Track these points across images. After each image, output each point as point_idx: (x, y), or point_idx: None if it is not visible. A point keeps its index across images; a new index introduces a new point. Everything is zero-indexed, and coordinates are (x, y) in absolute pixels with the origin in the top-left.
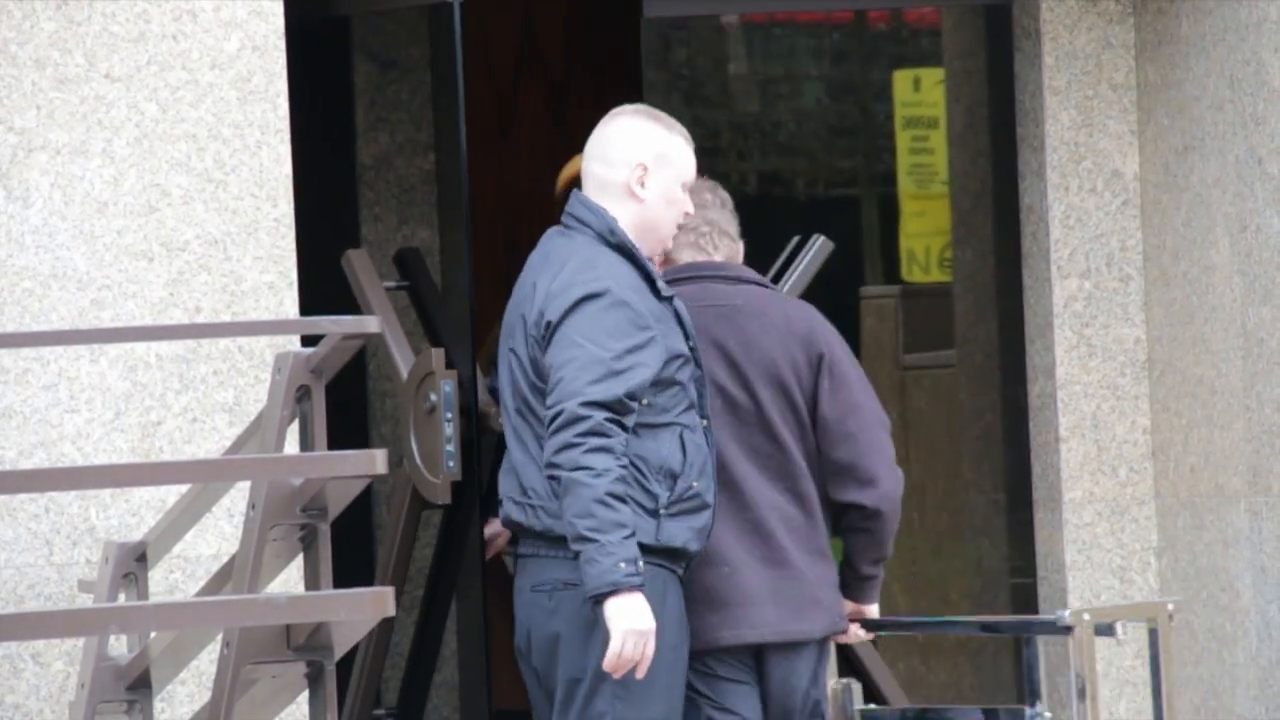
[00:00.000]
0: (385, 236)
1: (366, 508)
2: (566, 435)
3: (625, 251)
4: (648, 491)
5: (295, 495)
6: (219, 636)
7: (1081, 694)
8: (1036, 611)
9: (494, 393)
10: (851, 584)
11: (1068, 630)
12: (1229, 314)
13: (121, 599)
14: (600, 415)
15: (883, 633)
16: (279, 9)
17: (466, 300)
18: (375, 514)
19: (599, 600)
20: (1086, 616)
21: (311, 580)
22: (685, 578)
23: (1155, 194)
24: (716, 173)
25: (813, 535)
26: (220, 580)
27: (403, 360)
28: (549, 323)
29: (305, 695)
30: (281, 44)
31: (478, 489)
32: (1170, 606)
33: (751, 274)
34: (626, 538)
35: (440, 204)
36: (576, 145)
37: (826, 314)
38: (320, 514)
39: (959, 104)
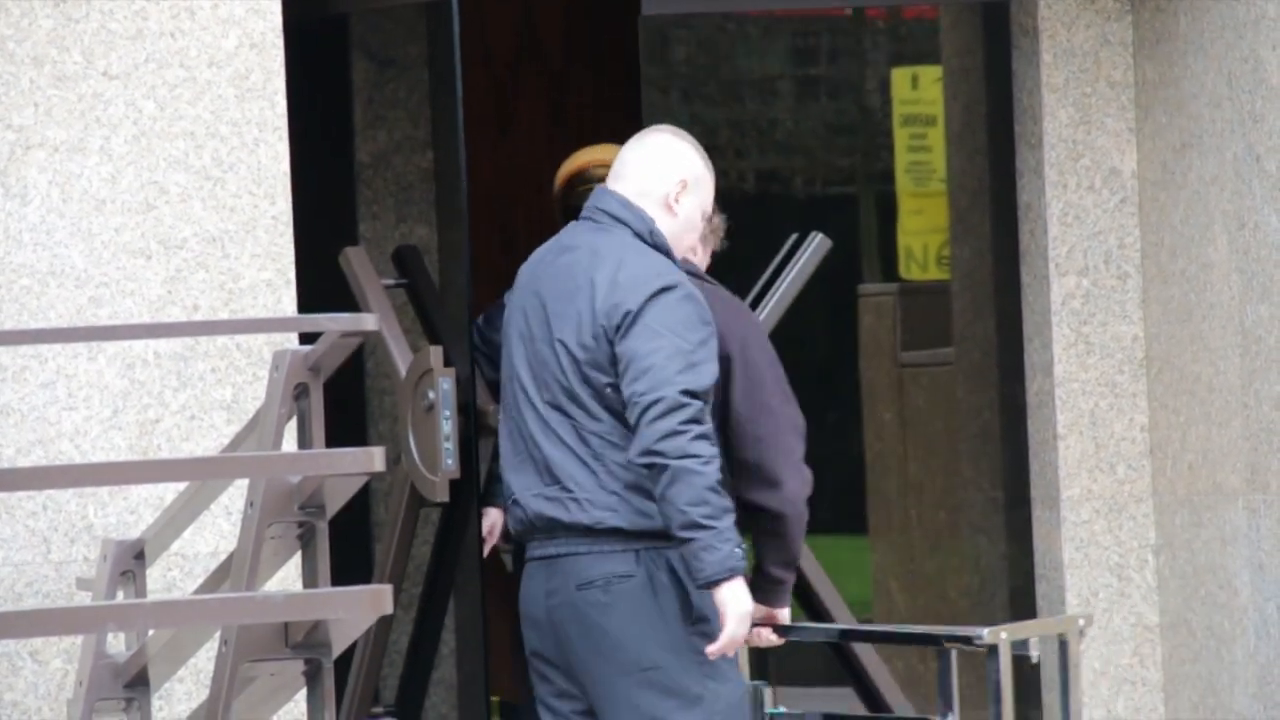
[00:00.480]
0: (383, 234)
1: (365, 505)
2: (669, 423)
3: (665, 253)
4: None
5: (293, 493)
6: (217, 634)
7: (999, 704)
8: (1035, 610)
9: (494, 387)
10: (762, 587)
11: (987, 648)
12: (1227, 311)
13: (119, 597)
14: (697, 404)
15: (792, 638)
16: (277, 7)
17: (465, 298)
18: (373, 512)
19: (713, 585)
20: (1004, 634)
21: (309, 578)
22: None
23: (1153, 191)
24: (716, 172)
25: None
26: (218, 578)
27: (401, 358)
28: (628, 311)
29: (303, 693)
30: (279, 41)
31: (476, 486)
32: (1081, 622)
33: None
34: (732, 524)
35: (438, 202)
36: (575, 142)
37: (825, 312)
38: (318, 512)
39: (957, 102)
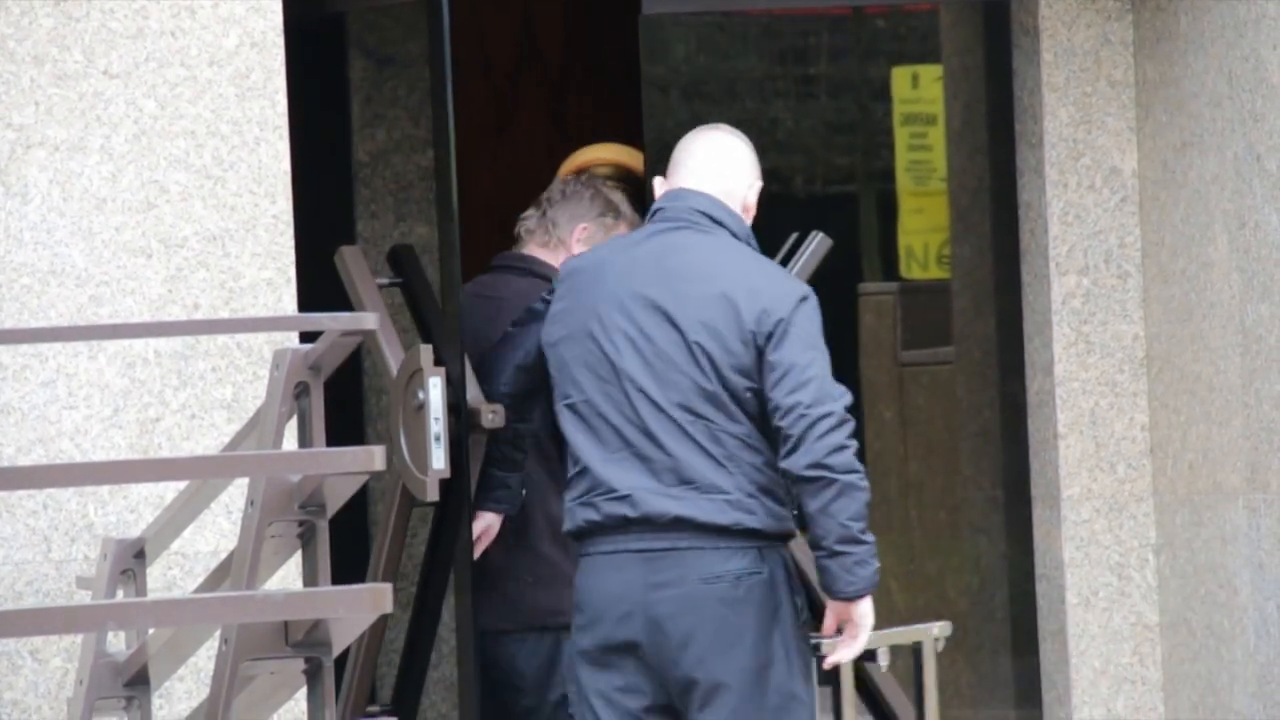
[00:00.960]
0: (382, 233)
1: (364, 504)
2: (838, 437)
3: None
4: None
5: (293, 492)
6: (217, 633)
7: (838, 714)
8: (1035, 610)
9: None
10: None
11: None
12: (1227, 311)
13: (120, 595)
14: (852, 420)
15: None
16: (277, 6)
17: (458, 298)
18: (373, 511)
19: (857, 598)
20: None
21: (310, 577)
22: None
23: (1154, 191)
24: None
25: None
26: (218, 577)
27: (393, 357)
28: (780, 319)
29: (304, 692)
30: (280, 40)
31: (467, 486)
32: (935, 630)
33: (533, 264)
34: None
35: (437, 200)
36: (574, 142)
37: (825, 310)
38: (318, 510)
39: (957, 101)
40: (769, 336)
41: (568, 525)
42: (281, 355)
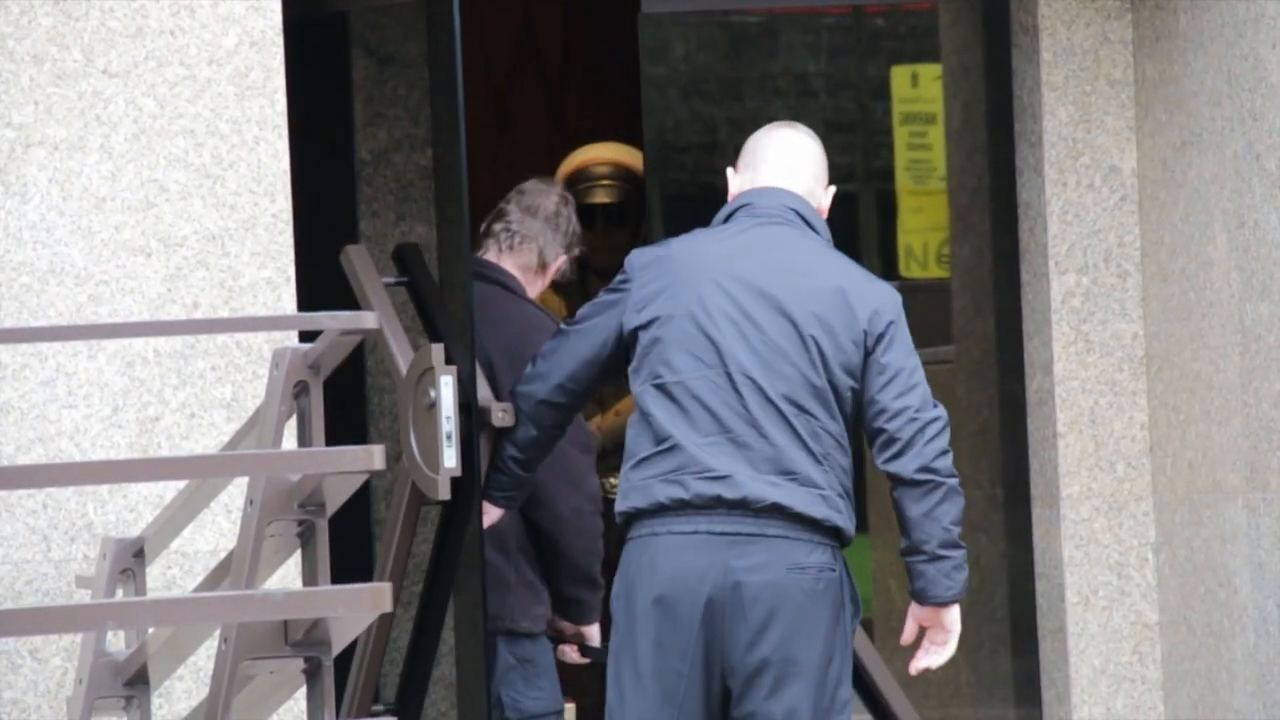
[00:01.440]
0: (383, 232)
1: (365, 503)
2: (943, 441)
3: None
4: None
5: (293, 491)
6: (217, 632)
7: None
8: (1035, 608)
9: (534, 360)
10: (558, 604)
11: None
12: (1227, 310)
13: (119, 595)
14: (949, 427)
15: (593, 658)
16: (277, 5)
17: (465, 296)
18: (373, 510)
19: (951, 603)
20: None
21: (309, 576)
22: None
23: (1153, 190)
24: (714, 169)
25: (523, 540)
26: (218, 576)
27: (401, 356)
28: (890, 321)
29: (303, 691)
30: (279, 39)
31: (477, 484)
32: None
33: (501, 274)
34: None
35: (438, 200)
36: (574, 141)
37: None
38: (318, 510)
39: (957, 100)
40: (880, 338)
41: (636, 502)
42: (281, 354)
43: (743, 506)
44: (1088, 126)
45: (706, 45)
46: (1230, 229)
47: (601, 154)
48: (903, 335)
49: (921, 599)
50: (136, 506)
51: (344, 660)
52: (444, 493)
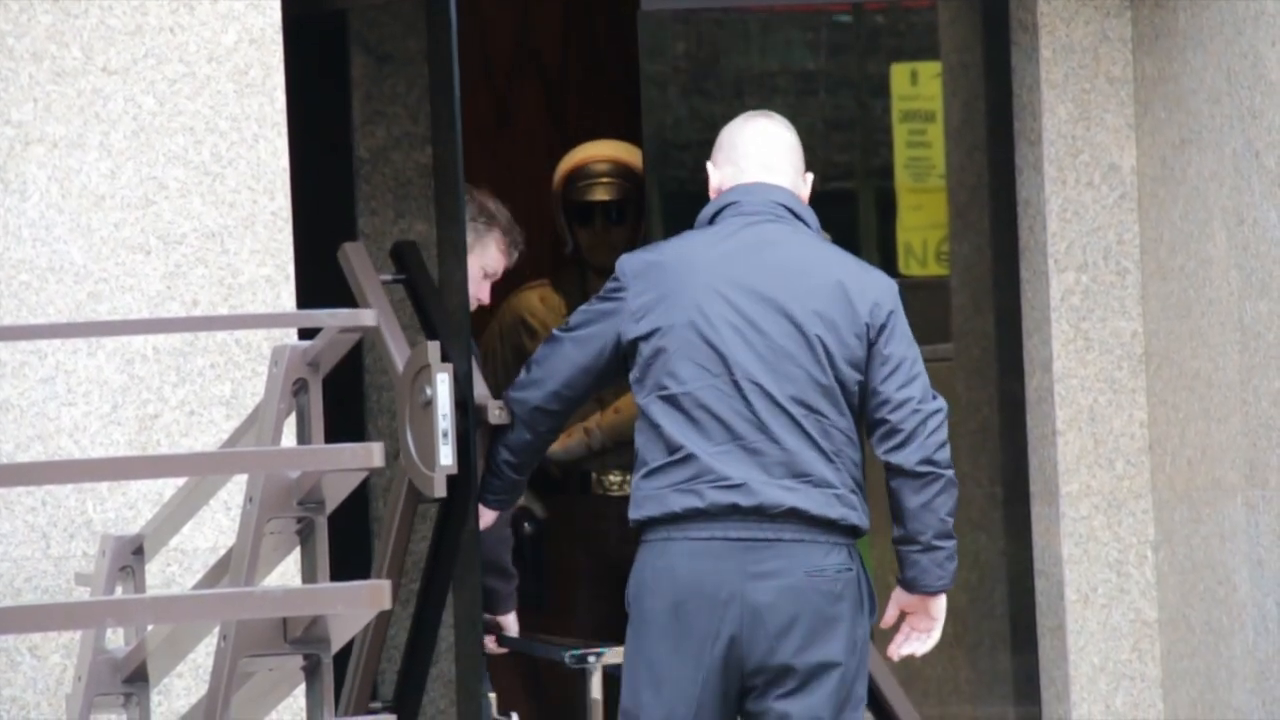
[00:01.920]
0: (382, 230)
1: (364, 501)
2: (944, 434)
3: None
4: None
5: (292, 488)
6: (216, 630)
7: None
8: (1034, 606)
9: (528, 366)
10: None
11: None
12: (1226, 307)
13: (118, 592)
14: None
15: (514, 647)
16: (276, 2)
17: (463, 294)
18: (372, 507)
19: (940, 592)
20: (591, 658)
21: (309, 573)
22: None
23: (1152, 187)
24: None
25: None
26: (217, 573)
27: (399, 354)
28: (890, 311)
29: (302, 688)
30: (279, 37)
31: (473, 482)
32: None
33: None
34: None
35: (437, 197)
36: (573, 140)
37: None
38: (317, 507)
39: (956, 97)
40: (881, 329)
41: (650, 511)
42: (280, 352)
43: (759, 513)
44: (1087, 124)
45: (706, 42)
46: (1229, 226)
47: (601, 151)
48: (903, 324)
49: (912, 587)
50: (136, 504)
51: (342, 658)
52: (440, 490)
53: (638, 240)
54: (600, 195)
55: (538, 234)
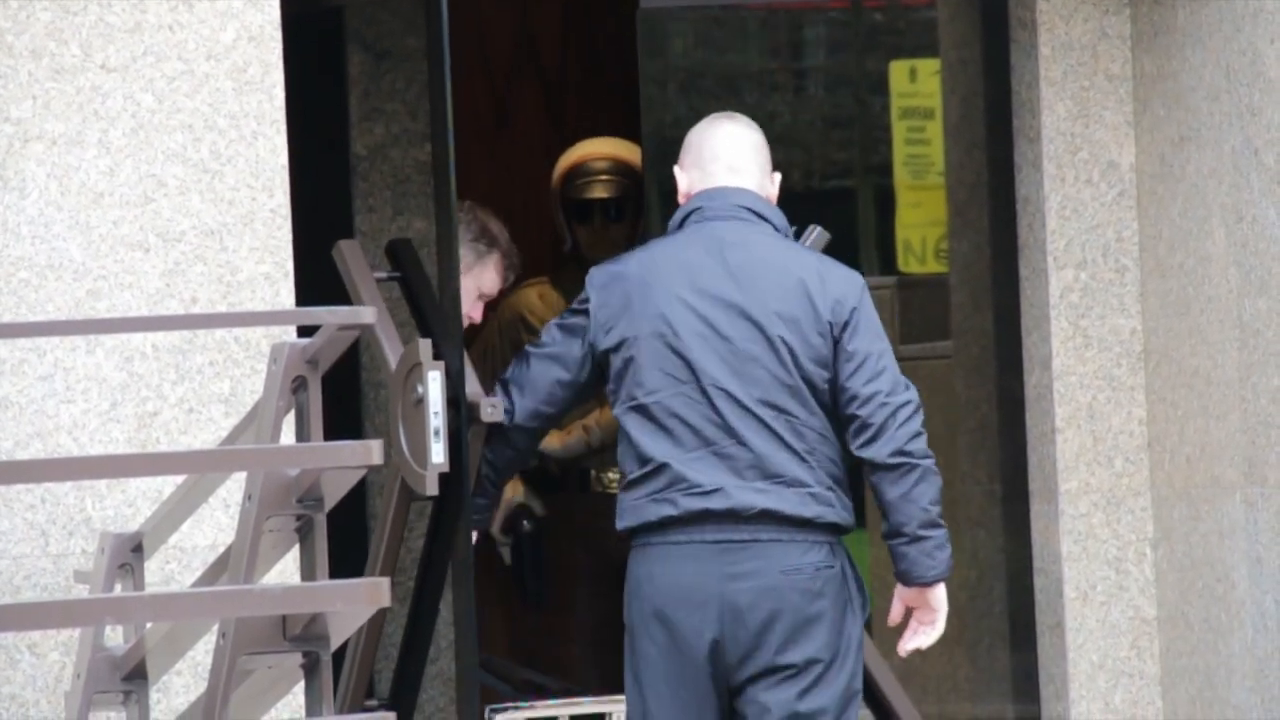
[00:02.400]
0: (380, 227)
1: (362, 498)
2: (915, 424)
3: None
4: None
5: (291, 486)
6: (215, 627)
7: None
8: (1033, 604)
9: (504, 385)
10: None
11: None
12: (1225, 305)
13: (117, 590)
14: (922, 408)
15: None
16: (275, 0)
17: (456, 292)
18: (370, 505)
19: (936, 582)
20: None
21: (307, 571)
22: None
23: (1151, 185)
24: None
25: None
26: (216, 571)
27: (392, 351)
28: (853, 308)
29: (301, 685)
30: (278, 34)
31: (466, 480)
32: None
33: None
34: None
35: (436, 195)
36: (572, 139)
37: None
38: (316, 505)
39: (955, 95)
40: (845, 326)
41: (630, 521)
42: (279, 349)
43: (733, 517)
44: (1086, 121)
45: (704, 40)
46: (1228, 224)
47: (600, 149)
48: (868, 320)
49: (906, 580)
50: (135, 501)
51: (337, 655)
52: (432, 488)
53: (637, 238)
54: (599, 193)
55: (537, 231)
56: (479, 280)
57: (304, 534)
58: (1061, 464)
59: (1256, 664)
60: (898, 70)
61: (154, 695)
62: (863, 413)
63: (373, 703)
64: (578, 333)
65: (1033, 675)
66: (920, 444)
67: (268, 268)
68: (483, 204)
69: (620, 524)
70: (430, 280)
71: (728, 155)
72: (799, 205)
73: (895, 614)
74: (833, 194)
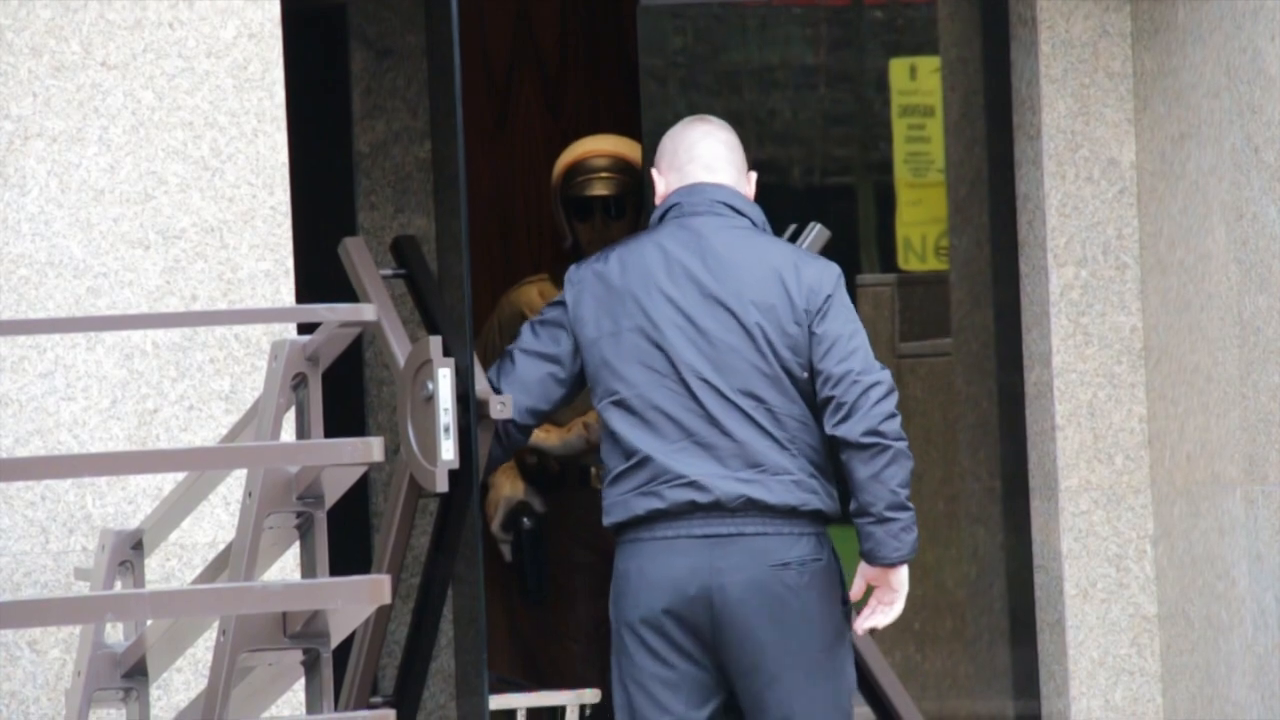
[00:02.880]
0: (382, 224)
1: (363, 496)
2: (889, 405)
3: None
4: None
5: (292, 483)
6: (215, 624)
7: None
8: (1033, 601)
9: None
10: None
11: None
12: (1225, 302)
13: (118, 587)
14: (897, 390)
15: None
16: None
17: (463, 288)
18: (372, 502)
19: (899, 564)
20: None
21: (308, 568)
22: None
23: (1151, 182)
24: None
25: None
26: (217, 568)
27: (399, 348)
28: (828, 295)
29: (302, 683)
30: (278, 31)
31: (474, 477)
32: (588, 696)
33: None
34: None
35: (437, 192)
36: (572, 135)
37: None
38: (317, 502)
39: (955, 92)
40: (818, 312)
41: (618, 516)
42: (279, 346)
43: (718, 508)
44: (1086, 119)
45: (704, 37)
46: (1229, 221)
47: (599, 146)
48: (840, 305)
49: (870, 560)
50: (135, 498)
51: (342, 652)
52: (441, 485)
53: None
54: (599, 190)
55: (537, 229)
56: None
57: (304, 531)
58: (1062, 461)
59: (1257, 661)
60: (898, 67)
61: (154, 692)
62: (835, 392)
63: (377, 700)
64: (560, 330)
65: (1033, 672)
66: (894, 425)
67: (268, 265)
68: (483, 201)
69: (607, 520)
70: (435, 277)
71: (704, 155)
72: (799, 203)
73: (857, 589)
74: (833, 191)
